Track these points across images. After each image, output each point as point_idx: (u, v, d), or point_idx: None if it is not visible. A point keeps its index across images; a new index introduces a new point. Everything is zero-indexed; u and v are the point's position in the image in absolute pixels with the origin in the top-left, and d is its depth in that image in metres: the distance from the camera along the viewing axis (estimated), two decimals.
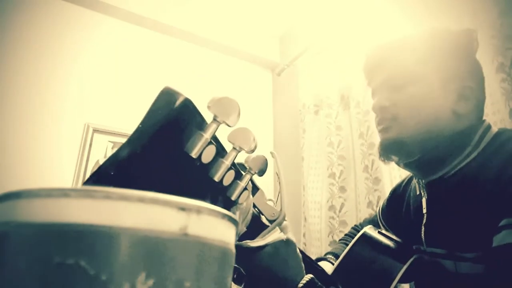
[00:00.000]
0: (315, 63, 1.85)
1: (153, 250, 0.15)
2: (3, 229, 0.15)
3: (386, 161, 0.64)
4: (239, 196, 0.35)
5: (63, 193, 0.15)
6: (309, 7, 1.95)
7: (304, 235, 1.64)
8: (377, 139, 0.65)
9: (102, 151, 1.63)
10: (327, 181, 1.61)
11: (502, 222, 0.46)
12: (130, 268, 0.14)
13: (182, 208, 0.16)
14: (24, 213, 0.15)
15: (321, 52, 1.82)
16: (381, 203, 1.31)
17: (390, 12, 1.37)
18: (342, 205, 1.53)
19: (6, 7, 1.55)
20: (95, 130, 1.63)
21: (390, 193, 0.80)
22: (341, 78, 1.69)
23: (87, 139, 1.60)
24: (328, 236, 1.53)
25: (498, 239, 0.46)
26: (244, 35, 2.17)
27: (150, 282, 0.14)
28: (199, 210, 0.16)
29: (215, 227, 0.17)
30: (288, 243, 0.44)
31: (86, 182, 0.22)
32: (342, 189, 1.56)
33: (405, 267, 0.56)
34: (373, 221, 0.82)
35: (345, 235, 0.86)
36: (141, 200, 0.15)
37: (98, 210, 0.14)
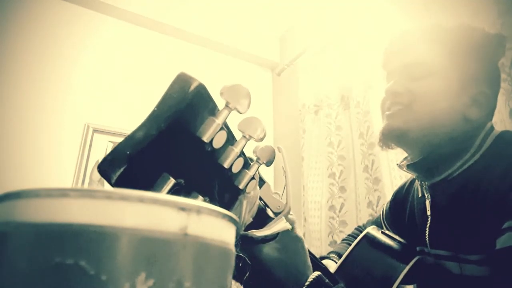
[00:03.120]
0: (315, 63, 1.86)
1: (153, 250, 0.15)
2: (2, 229, 0.15)
3: (384, 147, 0.63)
4: (247, 185, 0.35)
5: (63, 193, 0.15)
6: (309, 7, 1.95)
7: (304, 235, 1.64)
8: (377, 139, 0.64)
9: (102, 151, 1.63)
10: (327, 181, 1.61)
11: (505, 225, 0.46)
12: (130, 268, 0.14)
13: (182, 208, 0.16)
14: (24, 213, 0.15)
15: (321, 52, 1.82)
16: (381, 203, 1.32)
17: (390, 12, 1.37)
18: (342, 205, 1.53)
19: (6, 7, 1.55)
20: (95, 130, 1.63)
21: (393, 195, 0.80)
22: (341, 78, 1.69)
23: (87, 139, 1.60)
24: (328, 236, 1.53)
25: (501, 242, 0.46)
26: (244, 35, 2.17)
27: (150, 282, 0.14)
28: (199, 210, 0.16)
29: (215, 227, 0.17)
30: (296, 239, 0.44)
31: (103, 162, 0.23)
32: (342, 189, 1.56)
33: (407, 267, 0.56)
34: (376, 222, 0.82)
35: (348, 235, 0.86)
36: (141, 200, 0.15)
37: (98, 210, 0.14)
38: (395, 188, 0.82)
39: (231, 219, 0.19)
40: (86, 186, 1.53)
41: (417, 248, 0.64)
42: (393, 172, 1.32)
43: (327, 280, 0.42)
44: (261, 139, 0.33)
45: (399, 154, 1.32)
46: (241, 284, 0.39)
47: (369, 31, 1.52)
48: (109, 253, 0.14)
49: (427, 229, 0.60)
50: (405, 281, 0.56)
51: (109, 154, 0.23)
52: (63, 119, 1.58)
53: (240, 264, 0.39)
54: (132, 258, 0.14)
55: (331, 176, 1.60)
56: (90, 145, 1.61)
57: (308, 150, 1.76)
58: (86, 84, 1.68)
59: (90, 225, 0.14)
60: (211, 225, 0.17)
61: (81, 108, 1.63)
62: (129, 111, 1.71)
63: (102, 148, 1.63)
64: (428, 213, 0.61)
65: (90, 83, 1.69)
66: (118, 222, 0.14)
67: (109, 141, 1.66)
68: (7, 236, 0.15)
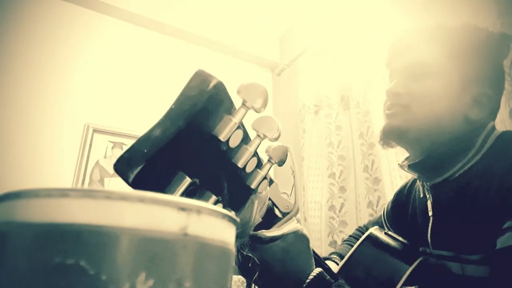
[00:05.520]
0: (315, 63, 1.86)
1: (153, 250, 0.15)
2: (3, 229, 0.15)
3: (384, 145, 0.63)
4: (258, 185, 0.35)
5: (63, 193, 0.15)
6: (309, 7, 1.95)
7: None
8: (377, 139, 0.65)
9: (102, 151, 1.63)
10: (327, 181, 1.61)
11: (506, 225, 0.46)
12: (130, 268, 0.14)
13: (182, 208, 0.16)
14: (24, 213, 0.15)
15: (321, 52, 1.82)
16: (381, 203, 1.32)
17: (390, 12, 1.37)
18: (342, 205, 1.53)
19: (6, 7, 1.55)
20: (95, 130, 1.63)
21: (394, 195, 0.80)
22: (341, 78, 1.69)
23: (87, 139, 1.60)
24: (328, 236, 1.53)
25: (502, 241, 0.46)
26: (244, 35, 2.17)
27: (150, 282, 0.14)
28: (199, 210, 0.16)
29: (215, 227, 0.17)
30: (302, 238, 0.44)
31: (120, 160, 0.22)
32: (342, 189, 1.56)
33: (411, 268, 0.56)
34: (377, 223, 0.82)
35: (349, 236, 0.86)
36: (141, 200, 0.15)
37: (98, 210, 0.14)
38: (395, 188, 0.82)
39: (231, 219, 0.19)
40: (86, 186, 1.53)
41: (420, 249, 0.64)
42: (393, 172, 1.32)
43: (328, 277, 0.42)
44: (276, 139, 0.33)
45: (399, 154, 1.32)
46: (251, 283, 0.39)
47: (369, 31, 1.51)
48: (109, 253, 0.14)
49: (429, 230, 0.60)
50: (408, 282, 0.56)
51: (126, 152, 0.23)
52: (63, 119, 1.58)
53: (250, 265, 0.39)
54: (132, 258, 0.14)
55: (331, 176, 1.60)
56: (90, 145, 1.60)
57: (308, 150, 1.76)
58: (86, 84, 1.68)
59: (90, 225, 0.14)
60: (211, 225, 0.17)
61: (81, 108, 1.63)
62: (129, 111, 1.71)
63: (102, 148, 1.63)
64: (430, 213, 0.60)
65: (90, 83, 1.69)
66: (118, 222, 0.14)
67: (109, 141, 1.66)
68: (7, 236, 0.15)
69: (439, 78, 0.58)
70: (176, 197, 0.16)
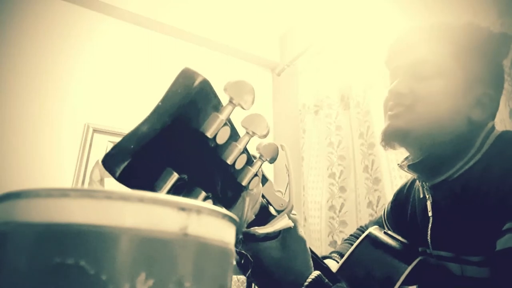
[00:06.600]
0: (315, 63, 1.86)
1: (153, 250, 0.15)
2: (3, 229, 0.15)
3: (386, 147, 0.62)
4: (249, 182, 0.35)
5: (63, 193, 0.15)
6: (309, 7, 1.95)
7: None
8: (377, 139, 0.64)
9: (102, 151, 1.63)
10: (327, 181, 1.61)
11: (506, 226, 0.45)
12: (130, 268, 0.14)
13: (182, 208, 0.16)
14: (24, 213, 0.15)
15: (321, 52, 1.83)
16: (381, 203, 1.32)
17: (390, 12, 1.37)
18: (342, 205, 1.53)
19: (6, 7, 1.55)
20: (95, 130, 1.63)
21: (394, 195, 0.79)
22: (341, 78, 1.69)
23: (87, 139, 1.60)
24: (328, 236, 1.53)
25: (502, 243, 0.45)
26: (244, 35, 2.17)
27: (150, 282, 0.14)
28: (199, 210, 0.16)
29: (215, 227, 0.17)
30: (299, 239, 0.44)
31: (107, 156, 0.23)
32: (342, 189, 1.56)
33: (409, 268, 0.56)
34: (377, 223, 0.82)
35: (350, 235, 0.86)
36: (141, 200, 0.15)
37: (98, 210, 0.14)
38: (395, 188, 0.82)
39: (231, 219, 0.19)
40: (86, 186, 1.53)
41: (419, 249, 0.64)
42: (393, 172, 1.32)
43: (326, 280, 0.42)
44: (265, 136, 0.33)
45: (399, 154, 1.32)
46: (246, 277, 0.39)
47: (369, 31, 1.52)
48: (109, 253, 0.14)
49: (429, 230, 0.60)
50: (407, 281, 0.55)
51: (113, 148, 0.23)
52: (63, 119, 1.58)
53: (242, 262, 0.39)
54: (132, 258, 0.14)
55: (331, 176, 1.60)
56: (90, 145, 1.61)
57: (308, 150, 1.76)
58: (86, 84, 1.68)
59: (90, 225, 0.14)
60: (211, 225, 0.17)
61: (81, 108, 1.63)
62: (129, 111, 1.71)
63: (102, 148, 1.63)
64: (430, 214, 0.60)
65: (90, 83, 1.69)
66: (118, 222, 0.14)
67: (109, 141, 1.66)
68: (7, 236, 0.15)
69: (444, 78, 0.57)
70: (176, 197, 0.16)
